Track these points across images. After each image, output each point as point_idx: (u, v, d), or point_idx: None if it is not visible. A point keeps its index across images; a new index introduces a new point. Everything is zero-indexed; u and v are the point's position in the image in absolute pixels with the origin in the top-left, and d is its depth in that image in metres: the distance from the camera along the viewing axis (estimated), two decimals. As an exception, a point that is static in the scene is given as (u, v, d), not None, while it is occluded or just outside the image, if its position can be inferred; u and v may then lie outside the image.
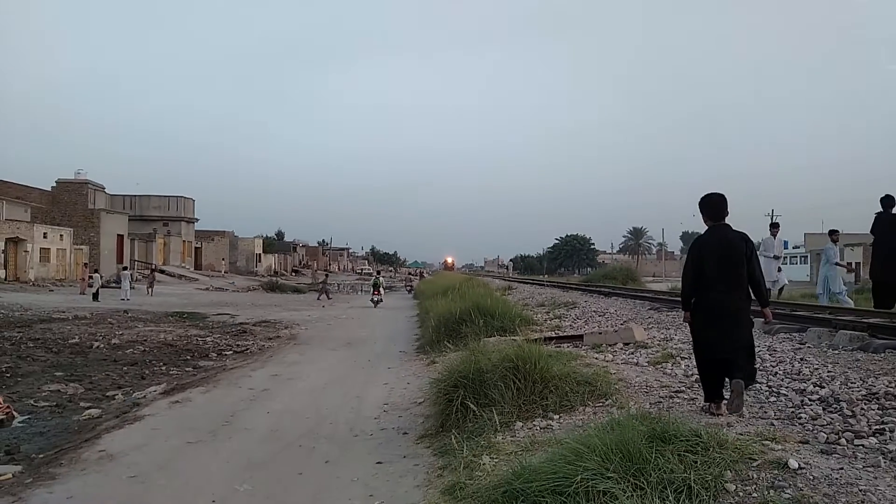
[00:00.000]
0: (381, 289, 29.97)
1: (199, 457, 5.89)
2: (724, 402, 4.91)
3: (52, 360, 11.40)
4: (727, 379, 4.90)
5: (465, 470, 4.51)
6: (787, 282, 15.77)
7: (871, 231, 11.44)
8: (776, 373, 6.31)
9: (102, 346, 13.26)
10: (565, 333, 10.78)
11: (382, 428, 6.66)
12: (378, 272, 42.83)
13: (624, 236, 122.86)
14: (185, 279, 47.78)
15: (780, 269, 15.07)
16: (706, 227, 5.12)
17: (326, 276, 46.47)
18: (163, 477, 5.31)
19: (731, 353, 4.82)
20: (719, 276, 4.90)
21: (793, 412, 4.92)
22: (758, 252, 14.43)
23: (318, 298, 33.63)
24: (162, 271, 46.42)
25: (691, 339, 5.37)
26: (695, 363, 7.14)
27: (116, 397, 8.68)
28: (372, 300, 29.26)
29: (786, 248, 74.83)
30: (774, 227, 15.61)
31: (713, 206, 5.10)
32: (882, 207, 11.20)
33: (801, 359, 6.89)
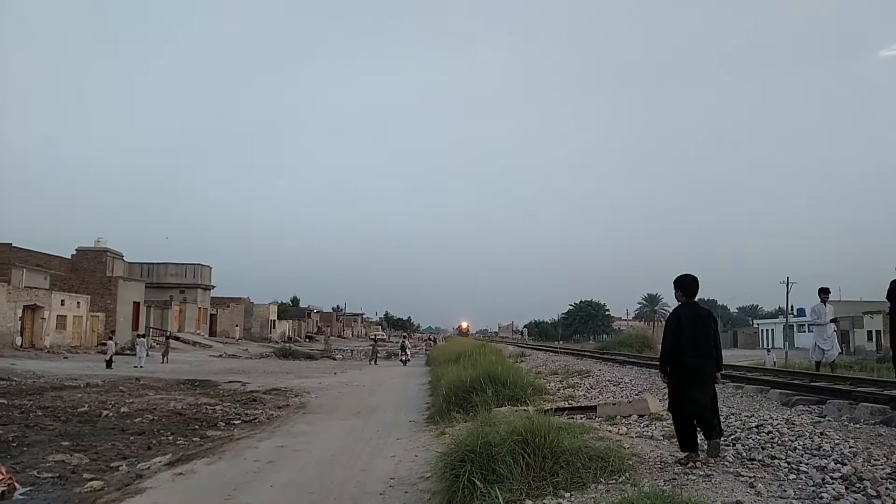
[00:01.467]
0: (408, 350, 37.75)
1: (199, 534, 5.72)
2: (701, 452, 5.68)
3: (59, 429, 11.31)
4: (705, 438, 5.73)
5: (471, 551, 4.33)
6: (837, 353, 14.48)
7: (888, 297, 11.26)
8: (795, 448, 6.09)
9: (111, 414, 13.16)
10: (578, 404, 10.55)
11: (388, 504, 6.47)
12: (405, 337, 52.16)
13: (639, 303, 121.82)
14: (200, 346, 47.78)
15: (832, 337, 14.00)
16: (679, 303, 5.99)
17: (375, 342, 52.89)
18: (160, 555, 5.15)
19: (705, 412, 5.66)
20: (694, 344, 5.70)
21: (814, 491, 4.72)
22: (811, 320, 14.08)
23: (371, 363, 37.93)
24: (177, 338, 46.52)
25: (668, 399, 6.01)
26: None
27: (120, 468, 8.55)
28: (401, 360, 36.13)
29: (802, 315, 73.78)
30: (824, 292, 14.11)
31: (688, 285, 6.00)
32: None
33: (821, 433, 6.66)
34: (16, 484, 7.37)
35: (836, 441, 6.23)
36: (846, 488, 4.73)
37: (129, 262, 54.90)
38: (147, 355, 29.45)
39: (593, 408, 9.68)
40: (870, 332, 56.87)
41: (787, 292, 63.07)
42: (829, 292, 14.00)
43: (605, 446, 6.19)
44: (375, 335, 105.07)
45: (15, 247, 40.59)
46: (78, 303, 39.70)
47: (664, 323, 6.40)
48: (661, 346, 5.89)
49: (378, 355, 40.85)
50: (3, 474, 7.37)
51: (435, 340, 67.19)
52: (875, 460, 5.40)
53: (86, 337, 39.89)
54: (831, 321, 13.89)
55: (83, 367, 26.21)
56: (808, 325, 17.06)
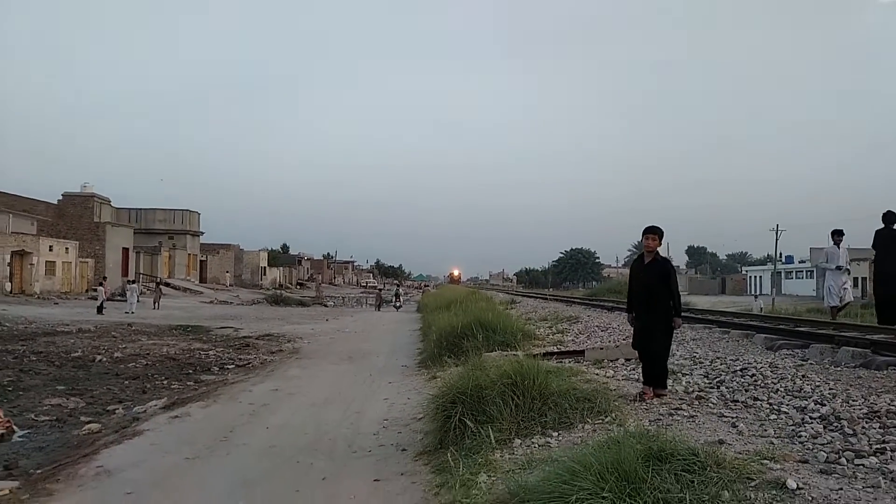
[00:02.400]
0: (400, 297, 41.07)
1: (196, 473, 5.87)
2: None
3: (54, 374, 11.42)
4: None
5: (462, 488, 4.48)
6: (852, 298, 13.63)
7: (873, 246, 11.39)
8: (777, 390, 6.26)
9: (105, 359, 13.26)
10: (567, 349, 10.73)
11: (381, 444, 6.62)
12: (398, 284, 57.18)
13: (629, 250, 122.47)
14: (190, 292, 47.87)
15: (846, 282, 13.00)
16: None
17: (398, 286, 56.42)
18: (159, 494, 5.29)
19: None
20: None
21: (793, 430, 4.88)
22: (821, 263, 13.60)
23: (376, 309, 38.66)
24: (167, 284, 46.57)
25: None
26: (695, 380, 7.15)
27: (117, 412, 8.68)
28: (395, 305, 38.97)
29: (790, 262, 74.12)
30: (837, 234, 12.91)
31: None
32: (883, 223, 11.16)
33: (803, 376, 6.85)
34: (14, 427, 7.48)
35: (817, 383, 6.41)
36: (824, 427, 4.89)
37: (117, 208, 54.40)
38: (138, 301, 29.52)
39: (581, 352, 9.86)
40: (855, 279, 57.66)
41: (776, 239, 63.59)
42: (843, 234, 12.89)
43: (592, 388, 6.34)
44: (367, 283, 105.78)
45: (0, 192, 40.09)
46: (66, 248, 39.50)
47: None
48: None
49: (383, 302, 41.48)
50: (0, 418, 7.48)
51: (423, 288, 67.93)
52: (853, 401, 5.57)
53: (75, 283, 39.84)
54: (837, 268, 12.84)
55: (74, 312, 26.27)
56: (820, 268, 14.75)
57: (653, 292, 6.37)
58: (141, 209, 59.93)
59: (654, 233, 6.48)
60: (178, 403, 9.08)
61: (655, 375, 6.40)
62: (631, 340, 6.89)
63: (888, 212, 11.05)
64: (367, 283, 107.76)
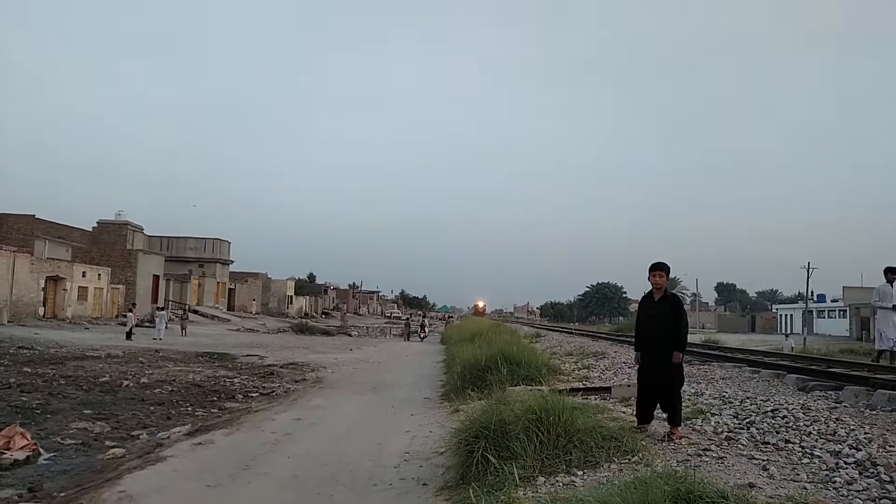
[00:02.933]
0: (425, 328, 43.76)
1: (218, 501, 5.85)
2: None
3: (81, 398, 11.55)
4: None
5: (484, 526, 4.40)
6: None
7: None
8: (810, 432, 6.08)
9: (132, 384, 13.40)
10: (593, 385, 10.58)
11: (402, 478, 6.56)
12: (422, 315, 59.09)
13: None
14: (218, 320, 48.35)
15: None
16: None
17: (423, 316, 58.46)
18: (180, 521, 5.29)
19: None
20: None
21: (827, 475, 4.73)
22: (875, 303, 12.88)
23: (405, 339, 40.97)
24: (195, 312, 47.11)
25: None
26: (724, 420, 6.99)
27: (141, 437, 8.73)
28: (419, 336, 41.01)
29: (822, 301, 72.51)
30: (892, 271, 12.25)
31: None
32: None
33: (837, 419, 6.64)
34: (40, 449, 7.56)
35: (852, 427, 6.21)
36: (860, 473, 4.73)
37: (149, 236, 55.50)
38: (166, 328, 29.88)
39: (608, 389, 9.71)
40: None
41: (808, 277, 62.34)
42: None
43: (619, 426, 6.22)
44: (391, 313, 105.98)
45: (37, 218, 41.14)
46: (99, 275, 40.26)
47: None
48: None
49: (411, 332, 43.58)
50: (27, 440, 7.57)
51: (447, 320, 68.19)
52: (890, 446, 5.38)
53: (106, 308, 40.51)
54: (893, 307, 12.05)
55: (104, 338, 26.67)
56: (874, 307, 13.62)
57: (665, 328, 6.39)
58: (172, 237, 61.03)
59: (661, 269, 6.55)
60: (202, 430, 9.11)
61: (670, 411, 6.36)
62: (641, 377, 6.75)
63: None
64: (391, 313, 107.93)
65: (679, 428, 6.25)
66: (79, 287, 37.89)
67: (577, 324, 78.03)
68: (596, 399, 8.91)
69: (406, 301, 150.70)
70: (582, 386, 10.26)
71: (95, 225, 47.96)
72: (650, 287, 6.73)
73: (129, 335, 27.02)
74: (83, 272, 38.45)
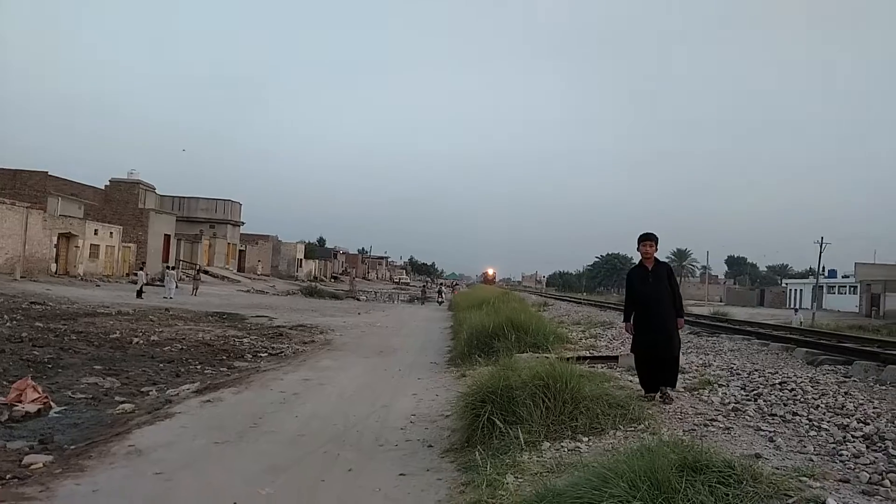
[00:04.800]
0: (443, 294, 47.84)
1: (225, 457, 5.91)
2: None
3: (92, 354, 11.67)
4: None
5: (488, 488, 4.41)
6: None
7: None
8: (818, 406, 6.06)
9: (142, 342, 13.53)
10: (600, 353, 10.58)
11: (408, 439, 6.60)
12: (441, 283, 63.23)
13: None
14: (228, 281, 48.69)
15: None
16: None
17: (442, 284, 62.83)
18: (188, 475, 5.34)
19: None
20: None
21: (834, 448, 4.71)
22: None
23: (422, 304, 44.77)
24: (206, 272, 47.41)
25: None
26: (732, 391, 6.96)
27: (150, 393, 8.82)
28: (438, 301, 44.84)
29: (833, 276, 72.34)
30: None
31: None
32: None
33: (846, 393, 6.61)
34: (51, 403, 7.65)
35: (860, 401, 6.19)
36: (867, 447, 4.71)
37: (161, 195, 55.64)
38: (176, 287, 30.10)
39: (615, 358, 9.71)
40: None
41: (821, 252, 61.92)
42: None
43: (626, 395, 6.23)
44: (400, 279, 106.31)
45: (50, 175, 41.26)
46: (111, 233, 40.50)
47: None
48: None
49: (427, 297, 47.57)
50: (39, 393, 7.65)
51: (454, 287, 68.20)
52: (899, 421, 5.35)
53: (117, 266, 40.83)
54: None
55: (114, 295, 26.91)
56: None
57: (664, 295, 6.47)
58: (184, 197, 61.21)
59: (650, 239, 6.65)
60: (211, 388, 9.19)
61: (673, 375, 6.54)
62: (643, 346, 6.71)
63: None
64: (399, 279, 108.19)
65: (672, 390, 6.44)
66: (91, 245, 38.15)
67: (584, 294, 78.01)
68: (603, 368, 8.92)
69: (415, 268, 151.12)
70: (589, 354, 10.26)
71: (108, 183, 48.10)
72: (665, 259, 6.80)
73: (139, 293, 27.24)
74: (95, 230, 38.67)
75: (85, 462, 5.59)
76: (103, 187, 47.79)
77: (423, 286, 55.59)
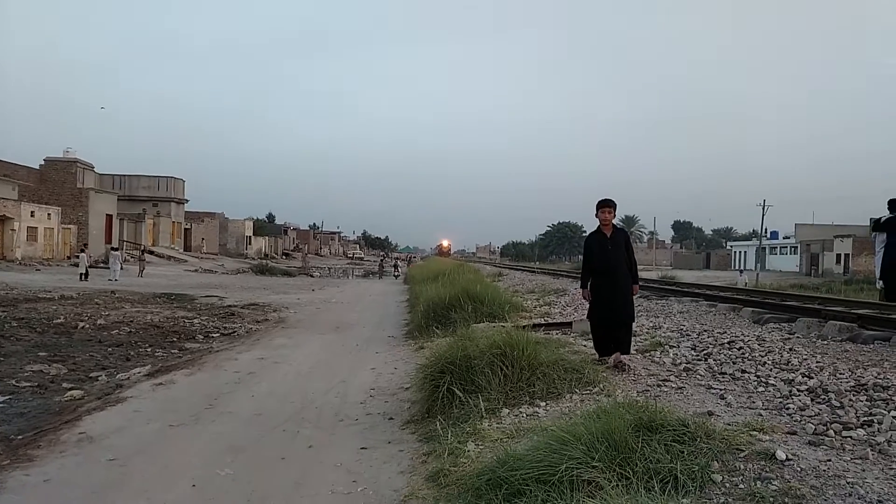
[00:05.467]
0: (399, 268, 47.69)
1: (181, 440, 5.80)
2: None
3: (35, 340, 11.26)
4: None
5: (450, 457, 4.45)
6: None
7: (878, 229, 10.57)
8: (765, 362, 6.28)
9: (88, 326, 13.11)
10: (554, 320, 10.74)
11: (368, 413, 6.59)
12: (397, 258, 62.95)
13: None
14: (175, 260, 47.53)
15: None
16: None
17: (397, 258, 63.24)
18: (142, 460, 5.22)
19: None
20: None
21: (781, 403, 4.89)
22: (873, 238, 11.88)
23: (379, 277, 45.78)
24: (151, 252, 46.16)
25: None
26: (683, 352, 7.15)
27: (100, 378, 8.57)
28: (395, 275, 44.65)
29: (775, 238, 75.05)
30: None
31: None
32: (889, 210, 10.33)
33: (790, 349, 6.87)
34: (-6, 392, 7.37)
35: (804, 356, 6.43)
36: (812, 400, 4.90)
37: (101, 174, 53.63)
38: (121, 268, 29.23)
39: (569, 324, 9.86)
40: (838, 256, 58.32)
41: (763, 215, 63.95)
42: None
43: (581, 359, 6.34)
44: (353, 254, 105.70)
45: (-21, 156, 39.29)
46: (49, 214, 38.95)
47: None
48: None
49: (384, 271, 48.49)
50: (-20, 383, 7.36)
51: (410, 260, 68.33)
52: (840, 374, 5.59)
53: (58, 249, 39.39)
54: None
55: (56, 279, 25.98)
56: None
57: (622, 262, 6.62)
58: (125, 175, 59.17)
59: (609, 205, 6.78)
60: (163, 371, 8.99)
61: (627, 342, 6.63)
62: (600, 312, 6.79)
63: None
64: (353, 254, 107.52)
65: (625, 356, 6.53)
66: (27, 227, 36.66)
67: (538, 263, 78.95)
68: (557, 334, 9.06)
69: (368, 242, 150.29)
70: (544, 322, 10.40)
71: (43, 162, 46.04)
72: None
73: (83, 276, 26.36)
74: (31, 212, 37.13)
75: (34, 452, 5.41)
76: (38, 167, 45.77)
77: (381, 260, 56.08)
